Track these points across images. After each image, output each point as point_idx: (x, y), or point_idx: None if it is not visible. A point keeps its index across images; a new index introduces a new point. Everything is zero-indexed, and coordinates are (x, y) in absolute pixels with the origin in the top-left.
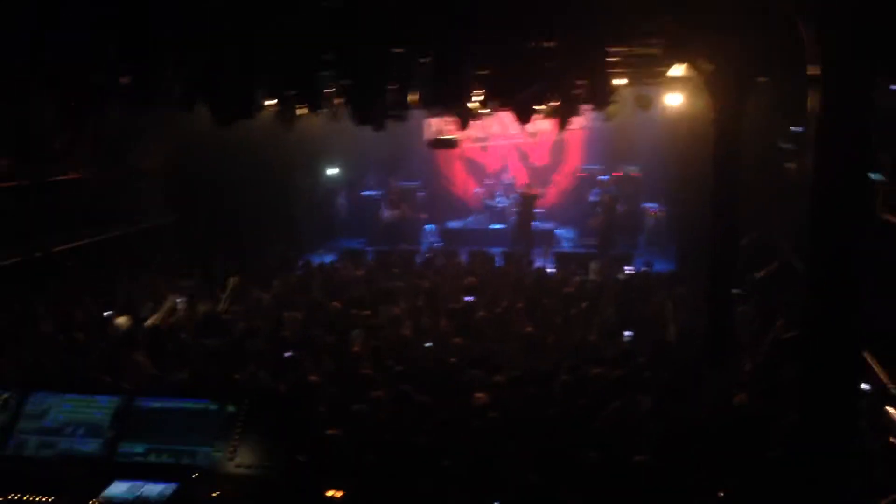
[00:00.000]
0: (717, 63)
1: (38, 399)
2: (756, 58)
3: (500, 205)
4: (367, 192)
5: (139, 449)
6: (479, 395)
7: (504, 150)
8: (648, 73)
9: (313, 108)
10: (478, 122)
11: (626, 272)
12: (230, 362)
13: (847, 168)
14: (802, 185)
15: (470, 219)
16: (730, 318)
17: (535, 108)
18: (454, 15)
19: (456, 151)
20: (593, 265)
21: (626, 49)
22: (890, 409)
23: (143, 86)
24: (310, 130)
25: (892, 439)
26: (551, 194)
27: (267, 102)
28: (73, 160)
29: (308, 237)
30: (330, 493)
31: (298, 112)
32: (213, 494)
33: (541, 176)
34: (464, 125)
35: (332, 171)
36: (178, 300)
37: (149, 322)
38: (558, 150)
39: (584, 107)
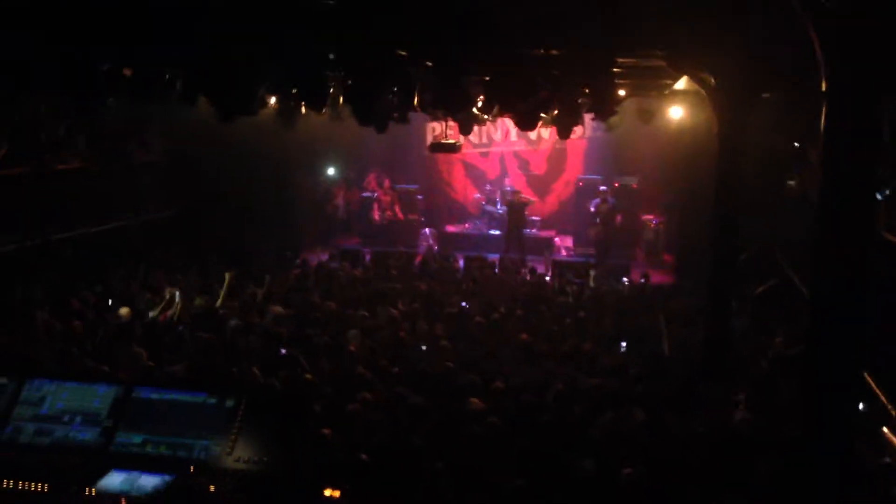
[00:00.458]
0: (721, 77)
1: (36, 386)
2: (760, 73)
3: (499, 211)
4: (366, 193)
5: (136, 440)
6: (474, 399)
7: (504, 157)
8: (652, 84)
9: (316, 106)
10: (479, 128)
11: (624, 283)
12: (225, 357)
13: (853, 185)
14: (803, 201)
15: (468, 224)
16: (727, 332)
17: (538, 115)
18: (459, 20)
19: (456, 156)
20: (592, 275)
21: (631, 60)
22: (887, 431)
23: (145, 79)
24: (311, 129)
25: (887, 460)
26: (550, 203)
27: (270, 100)
28: (74, 150)
29: (306, 236)
30: (328, 493)
31: (301, 110)
32: (211, 488)
33: (540, 184)
34: (465, 130)
35: (331, 171)
36: (176, 293)
37: (149, 315)
38: (558, 158)
39: (586, 116)
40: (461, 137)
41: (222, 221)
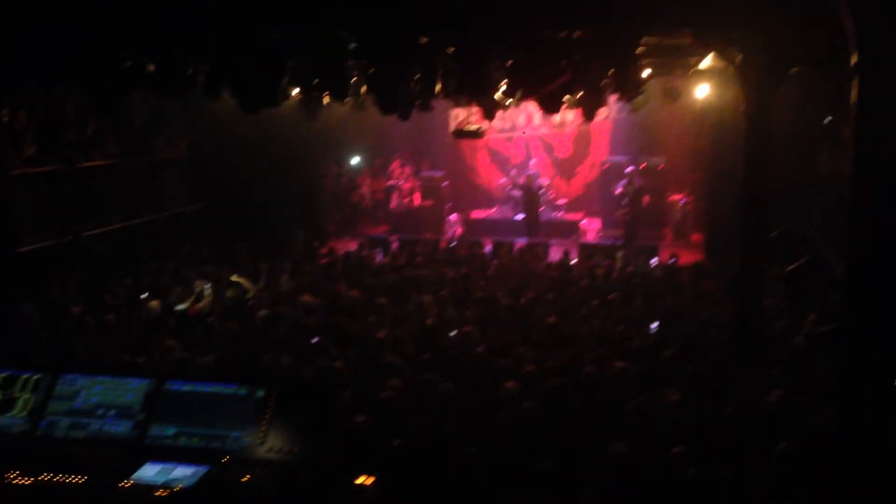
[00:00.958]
0: (748, 53)
1: (69, 381)
2: (789, 48)
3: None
4: (391, 182)
5: (169, 432)
6: (510, 383)
7: (529, 142)
8: (677, 63)
9: (338, 96)
10: (503, 113)
11: (653, 264)
12: (255, 347)
13: (887, 160)
14: (835, 177)
15: (494, 209)
16: (759, 311)
17: (562, 98)
18: (481, 4)
19: (480, 142)
20: (619, 256)
21: (655, 39)
22: None
23: (168, 74)
24: (335, 119)
25: None
26: (576, 186)
27: (293, 91)
28: (103, 147)
29: (332, 225)
30: (359, 481)
31: (323, 101)
32: (243, 479)
33: (566, 167)
34: (489, 116)
35: (356, 160)
36: (205, 286)
37: (180, 308)
38: (583, 141)
39: (611, 97)
40: (485, 123)
41: (249, 213)
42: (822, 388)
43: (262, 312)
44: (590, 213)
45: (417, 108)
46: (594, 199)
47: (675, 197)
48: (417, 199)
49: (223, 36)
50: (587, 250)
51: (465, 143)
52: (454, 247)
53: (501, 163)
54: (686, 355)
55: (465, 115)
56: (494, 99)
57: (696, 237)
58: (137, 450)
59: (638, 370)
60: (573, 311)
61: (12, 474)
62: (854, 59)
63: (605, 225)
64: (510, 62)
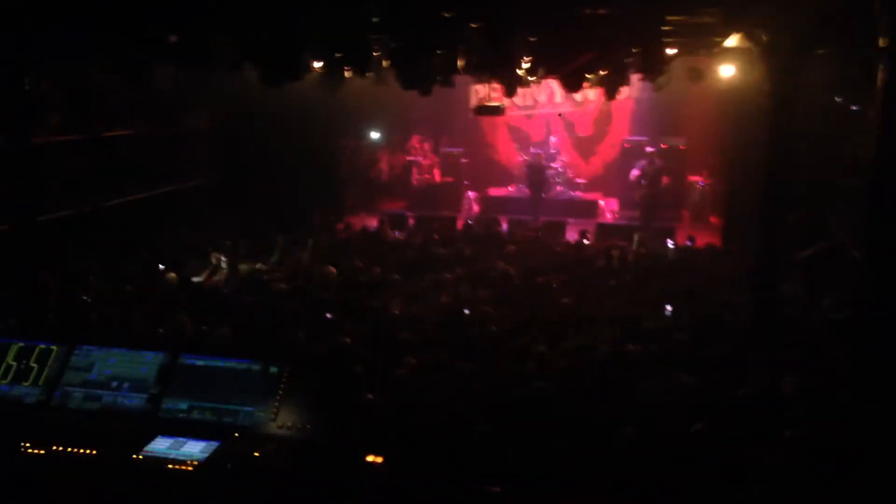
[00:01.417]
0: (774, 34)
1: (84, 352)
2: (815, 29)
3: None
4: (410, 158)
5: (182, 406)
6: (531, 363)
7: (549, 119)
8: (701, 43)
9: (361, 71)
10: (524, 90)
11: (670, 246)
12: (270, 321)
13: None
14: (857, 162)
15: (512, 187)
16: (776, 296)
17: (584, 76)
18: None
19: (501, 119)
20: (637, 238)
21: (680, 18)
22: None
23: (191, 46)
24: (355, 93)
25: None
26: (595, 165)
27: (315, 65)
28: (125, 118)
29: (350, 200)
30: (371, 459)
31: (346, 75)
32: (255, 454)
33: (586, 146)
34: (510, 92)
35: (375, 135)
36: (222, 258)
37: (195, 280)
38: (604, 120)
39: (633, 76)
40: (505, 100)
41: (268, 187)
42: (837, 373)
43: (278, 286)
44: (608, 194)
45: (438, 84)
46: (613, 178)
47: (695, 178)
48: (437, 176)
49: (246, 9)
50: (604, 231)
51: (486, 120)
52: (471, 224)
53: (521, 140)
54: (700, 338)
55: (485, 92)
56: (517, 75)
57: (714, 219)
58: (150, 423)
59: (655, 351)
60: (588, 291)
61: (26, 444)
62: (882, 42)
63: (623, 205)
64: (534, 38)
